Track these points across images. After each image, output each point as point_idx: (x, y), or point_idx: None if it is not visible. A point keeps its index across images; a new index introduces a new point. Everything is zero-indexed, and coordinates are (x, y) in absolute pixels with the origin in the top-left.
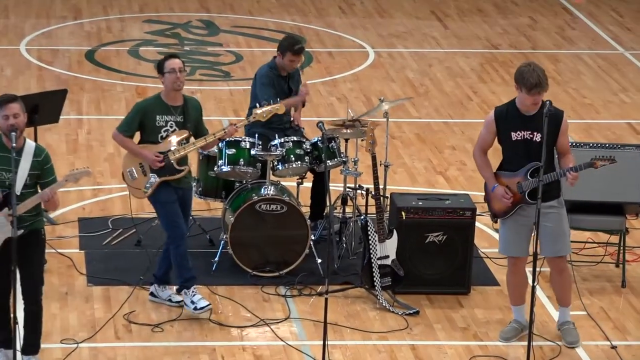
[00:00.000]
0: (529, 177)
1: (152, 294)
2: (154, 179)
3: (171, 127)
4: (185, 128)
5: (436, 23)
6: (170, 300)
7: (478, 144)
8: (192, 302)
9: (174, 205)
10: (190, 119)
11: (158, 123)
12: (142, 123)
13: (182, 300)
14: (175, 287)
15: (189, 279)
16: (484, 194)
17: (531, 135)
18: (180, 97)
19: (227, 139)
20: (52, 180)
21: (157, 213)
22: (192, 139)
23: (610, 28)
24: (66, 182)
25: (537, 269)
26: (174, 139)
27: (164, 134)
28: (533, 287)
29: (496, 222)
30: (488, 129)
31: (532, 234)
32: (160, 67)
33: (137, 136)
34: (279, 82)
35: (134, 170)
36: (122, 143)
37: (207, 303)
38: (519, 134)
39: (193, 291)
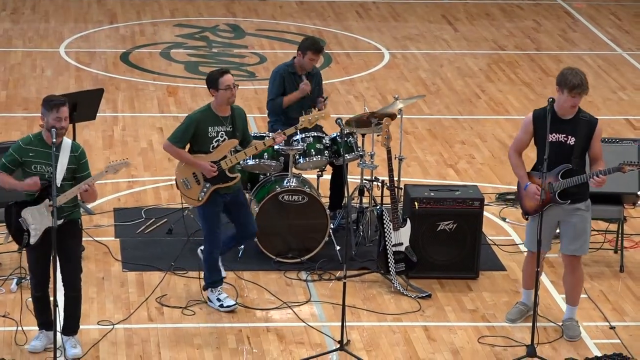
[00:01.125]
0: (560, 178)
1: (209, 299)
2: (208, 187)
3: (222, 137)
4: (235, 137)
5: (447, 26)
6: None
7: (514, 145)
8: (219, 300)
9: (217, 215)
10: (238, 127)
11: (210, 134)
12: (194, 134)
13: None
14: (202, 285)
15: (217, 281)
16: (498, 186)
17: (565, 139)
18: (229, 108)
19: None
20: (87, 175)
21: (200, 217)
22: (241, 148)
23: (609, 30)
24: (106, 173)
25: (542, 256)
26: (224, 148)
27: (215, 144)
28: (537, 273)
29: (527, 218)
30: (525, 130)
31: (556, 231)
32: (213, 82)
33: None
34: (293, 79)
35: (188, 180)
36: (175, 154)
37: (234, 303)
38: (554, 136)
39: (219, 290)
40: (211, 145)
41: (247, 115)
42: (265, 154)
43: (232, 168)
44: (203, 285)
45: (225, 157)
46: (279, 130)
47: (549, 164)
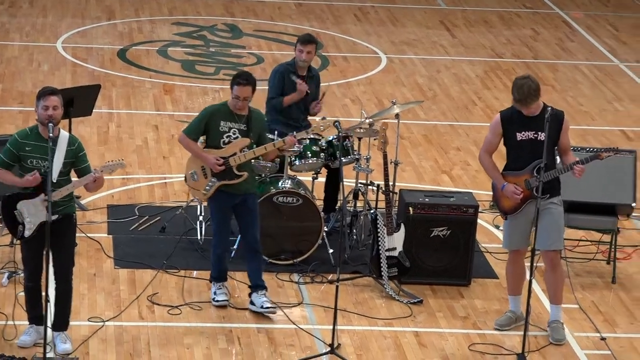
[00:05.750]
0: (535, 174)
1: (251, 302)
2: (214, 182)
3: (234, 134)
4: (248, 136)
5: (445, 32)
6: (262, 306)
7: (484, 147)
8: (215, 293)
9: (226, 214)
10: (254, 129)
11: (221, 128)
12: (206, 127)
13: (274, 307)
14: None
15: (218, 277)
16: (491, 194)
17: (535, 135)
18: (246, 108)
19: (287, 148)
20: (87, 167)
21: (210, 215)
22: (253, 147)
23: (606, 41)
24: (102, 172)
25: (534, 264)
26: (235, 145)
27: (226, 139)
28: (530, 281)
29: (506, 218)
30: (494, 131)
31: (532, 228)
32: (232, 83)
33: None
34: (292, 78)
35: (196, 173)
36: (187, 146)
37: (225, 299)
38: (524, 134)
39: (220, 285)
40: (222, 140)
41: None
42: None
43: (241, 167)
44: (209, 278)
45: (235, 154)
46: (291, 133)
47: (522, 161)
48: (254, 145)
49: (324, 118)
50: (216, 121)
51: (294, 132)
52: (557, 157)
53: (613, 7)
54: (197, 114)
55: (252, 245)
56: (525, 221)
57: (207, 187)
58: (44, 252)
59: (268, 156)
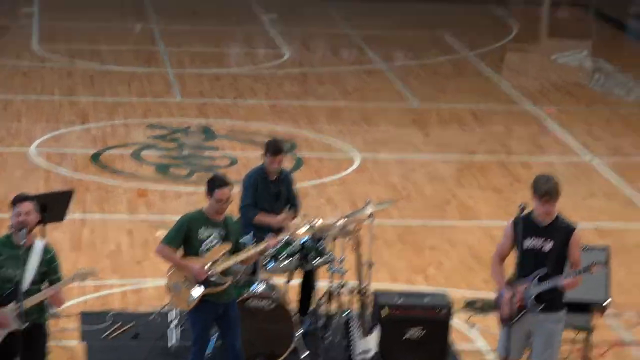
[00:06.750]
0: (537, 283)
1: None
2: (198, 291)
3: (213, 240)
4: (229, 241)
5: (418, 131)
6: None
7: (497, 251)
8: None
9: (207, 325)
10: (232, 232)
11: (200, 236)
12: (185, 235)
13: None
14: None
15: None
16: (483, 299)
17: (541, 245)
18: (221, 215)
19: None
20: (58, 278)
21: (190, 325)
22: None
23: (579, 136)
24: (73, 280)
25: None
26: (217, 252)
27: (205, 247)
28: None
29: (504, 326)
30: (506, 236)
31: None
32: (210, 188)
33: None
34: (265, 184)
35: (179, 284)
36: (167, 256)
37: None
38: (530, 243)
39: None
40: (200, 249)
41: None
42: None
43: (224, 273)
44: None
45: (216, 261)
46: (270, 235)
47: (526, 271)
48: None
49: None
50: (195, 229)
51: (271, 234)
52: None
53: (586, 102)
54: (172, 217)
55: (234, 354)
56: (520, 331)
57: (190, 299)
58: None
59: (249, 260)
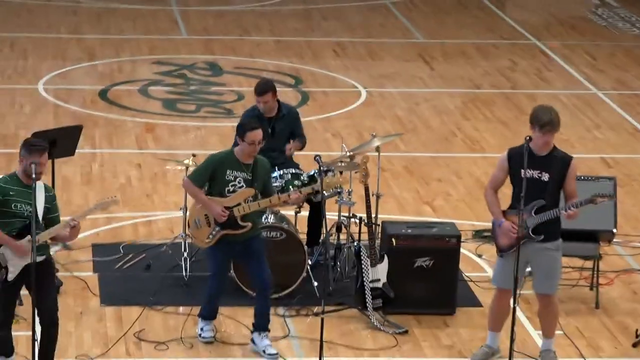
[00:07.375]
0: (533, 214)
1: (252, 340)
2: (217, 230)
3: (239, 182)
4: (253, 186)
5: (423, 65)
6: (264, 351)
7: (490, 182)
8: (202, 330)
9: (223, 260)
10: (259, 177)
11: (227, 177)
12: (212, 174)
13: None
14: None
15: (208, 316)
16: (475, 224)
17: (539, 175)
18: (252, 157)
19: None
20: (57, 217)
21: (208, 260)
22: (258, 197)
23: (584, 70)
24: (94, 209)
25: (518, 292)
26: (240, 195)
27: (231, 188)
28: (514, 308)
29: (501, 256)
30: (501, 167)
31: (526, 270)
32: (241, 131)
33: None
34: (260, 121)
35: (200, 220)
36: (192, 193)
37: (212, 336)
38: (528, 173)
39: (206, 322)
40: (226, 189)
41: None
42: None
43: (245, 217)
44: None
45: (239, 204)
46: (296, 189)
47: (524, 202)
48: (259, 195)
49: (333, 174)
50: (222, 170)
51: (300, 189)
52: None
53: (590, 37)
54: (179, 152)
55: (261, 286)
56: (519, 261)
57: (209, 236)
58: (22, 295)
59: (270, 207)
